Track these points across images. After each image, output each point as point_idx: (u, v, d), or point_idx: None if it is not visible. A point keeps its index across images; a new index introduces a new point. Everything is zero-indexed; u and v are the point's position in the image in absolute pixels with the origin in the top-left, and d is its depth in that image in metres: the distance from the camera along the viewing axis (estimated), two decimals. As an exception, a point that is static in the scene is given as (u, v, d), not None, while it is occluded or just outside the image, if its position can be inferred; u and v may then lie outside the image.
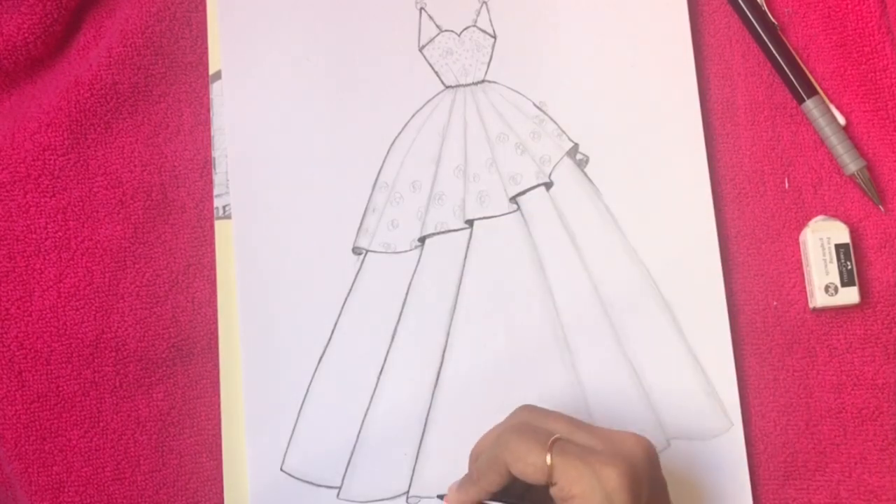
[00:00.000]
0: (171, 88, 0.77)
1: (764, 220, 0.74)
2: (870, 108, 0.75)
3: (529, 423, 0.61)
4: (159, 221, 0.75)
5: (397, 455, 0.72)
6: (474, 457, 0.64)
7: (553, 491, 0.58)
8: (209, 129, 0.76)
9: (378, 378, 0.72)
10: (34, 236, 0.75)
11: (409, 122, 0.75)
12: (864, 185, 0.73)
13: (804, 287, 0.73)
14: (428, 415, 0.72)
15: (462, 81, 0.76)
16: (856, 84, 0.75)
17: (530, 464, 0.58)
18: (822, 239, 0.72)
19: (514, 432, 0.60)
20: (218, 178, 0.75)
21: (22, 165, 0.75)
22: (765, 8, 0.76)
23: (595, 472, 0.57)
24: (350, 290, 0.73)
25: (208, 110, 0.76)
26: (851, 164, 0.73)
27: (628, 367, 0.72)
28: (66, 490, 0.73)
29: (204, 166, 0.76)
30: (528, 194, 0.74)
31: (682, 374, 0.71)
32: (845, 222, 0.72)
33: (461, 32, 0.76)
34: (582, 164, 0.74)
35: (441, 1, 0.76)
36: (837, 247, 0.72)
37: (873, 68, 0.75)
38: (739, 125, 0.76)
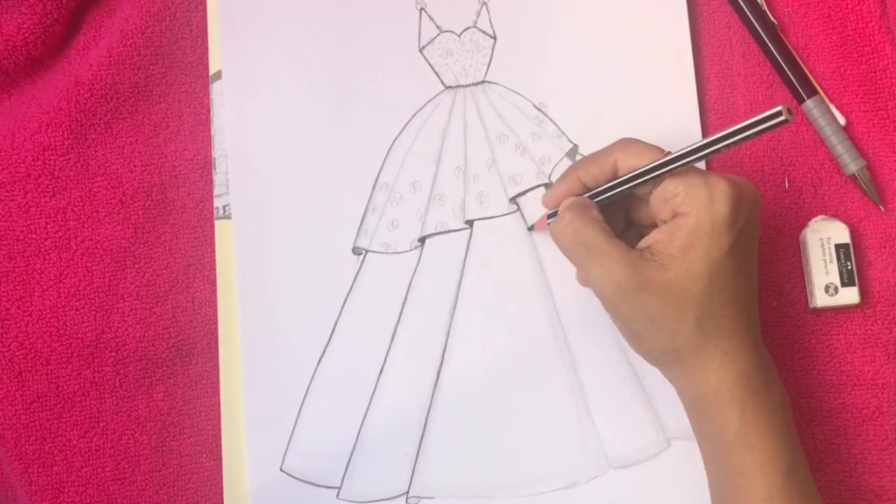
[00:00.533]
0: (171, 88, 0.77)
1: (764, 220, 0.74)
2: (870, 108, 0.75)
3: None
4: (159, 221, 0.75)
5: (397, 455, 0.72)
6: (573, 167, 0.67)
7: (654, 196, 0.62)
8: (209, 130, 0.76)
9: (378, 378, 0.72)
10: (34, 236, 0.75)
11: (409, 122, 0.75)
12: (864, 185, 0.73)
13: (804, 287, 0.73)
14: (428, 415, 0.72)
15: (462, 82, 0.76)
16: (856, 84, 0.75)
17: (645, 159, 0.62)
18: (822, 239, 0.72)
19: (630, 139, 0.64)
20: (218, 179, 0.75)
21: (22, 165, 0.75)
22: (765, 8, 0.76)
23: (703, 175, 0.60)
24: (350, 290, 0.73)
25: (208, 110, 0.76)
26: (851, 164, 0.73)
27: (628, 367, 0.72)
28: (66, 490, 0.73)
29: (204, 166, 0.76)
30: (528, 195, 0.74)
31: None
32: (845, 222, 0.72)
33: (461, 33, 0.76)
34: (582, 164, 0.75)
35: (441, 2, 0.77)
36: (837, 247, 0.72)
37: (873, 68, 0.75)
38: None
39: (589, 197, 0.66)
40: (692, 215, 0.59)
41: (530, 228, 0.73)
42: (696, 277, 0.59)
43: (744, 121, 0.58)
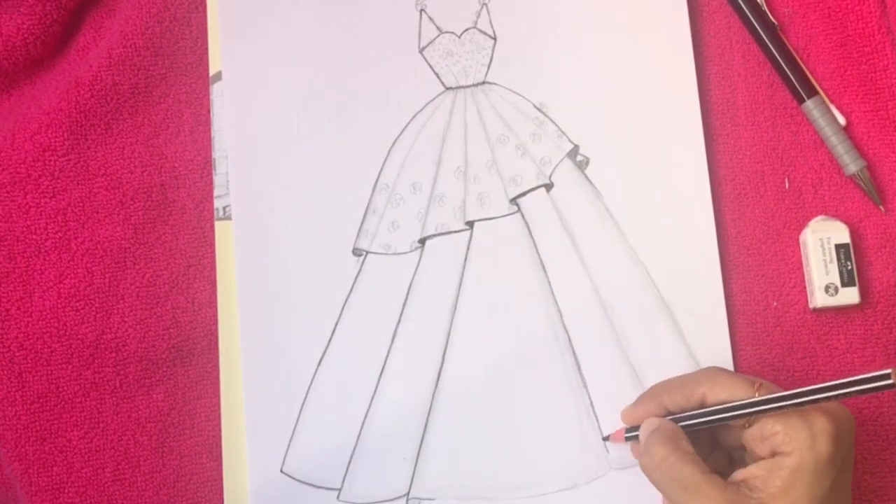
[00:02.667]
0: (171, 89, 0.77)
1: (764, 221, 0.74)
2: (870, 109, 0.75)
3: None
4: (159, 222, 0.75)
5: (397, 456, 0.72)
6: (656, 391, 0.66)
7: (749, 432, 0.60)
8: (209, 130, 0.76)
9: (378, 379, 0.72)
10: (34, 237, 0.75)
11: (409, 123, 0.75)
12: (864, 186, 0.73)
13: (804, 287, 0.73)
14: (428, 416, 0.72)
15: (462, 83, 0.76)
16: (856, 84, 0.75)
17: (735, 395, 0.61)
18: (822, 239, 0.72)
19: (716, 368, 0.63)
20: (218, 179, 0.75)
21: (22, 166, 0.75)
22: (765, 8, 0.76)
23: (803, 416, 0.58)
24: (350, 291, 0.73)
25: (208, 111, 0.76)
26: (852, 164, 0.73)
27: (629, 367, 0.72)
28: (66, 491, 0.73)
29: (204, 167, 0.76)
30: (528, 196, 0.74)
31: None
32: (845, 222, 0.72)
33: (461, 34, 0.76)
34: (582, 165, 0.74)
35: (441, 2, 0.76)
36: (837, 247, 0.72)
37: (873, 68, 0.75)
38: (739, 125, 0.76)
39: (675, 420, 0.64)
40: (794, 456, 0.58)
41: (605, 439, 0.72)
42: None
43: (850, 378, 0.56)
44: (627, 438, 0.69)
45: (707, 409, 0.63)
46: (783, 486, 0.58)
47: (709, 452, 0.67)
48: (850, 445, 0.60)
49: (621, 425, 0.70)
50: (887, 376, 0.54)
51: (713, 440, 0.67)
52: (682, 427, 0.64)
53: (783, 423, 0.59)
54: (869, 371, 0.69)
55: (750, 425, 0.61)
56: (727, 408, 0.61)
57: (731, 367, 0.72)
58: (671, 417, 0.65)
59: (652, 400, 0.66)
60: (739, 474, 0.60)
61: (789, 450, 0.58)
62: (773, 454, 0.59)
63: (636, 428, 0.67)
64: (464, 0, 0.77)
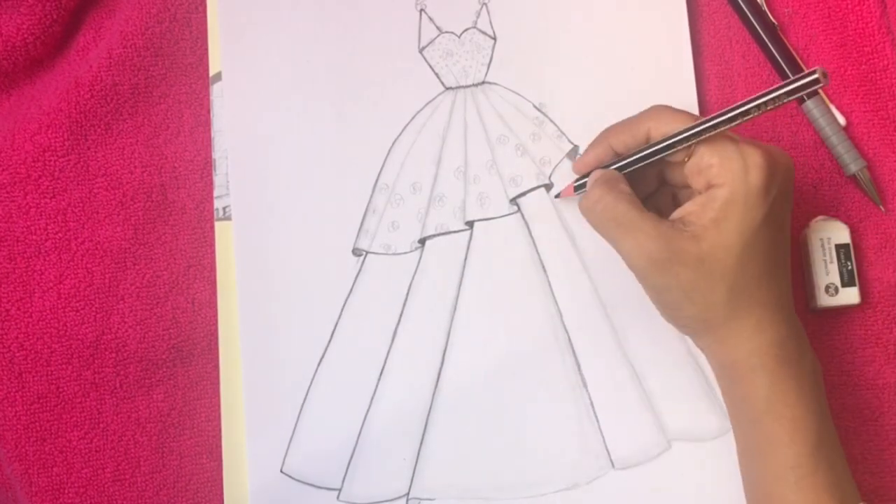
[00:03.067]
0: (171, 89, 0.77)
1: (764, 221, 0.74)
2: (870, 109, 0.75)
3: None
4: (159, 222, 0.75)
5: (397, 456, 0.72)
6: (604, 134, 0.67)
7: (688, 166, 0.62)
8: (209, 131, 0.76)
9: (378, 379, 0.72)
10: (34, 237, 0.75)
11: (409, 123, 0.75)
12: (864, 186, 0.73)
13: (804, 287, 0.73)
14: (428, 416, 0.72)
15: (462, 83, 0.76)
16: (856, 84, 0.75)
17: (678, 128, 0.62)
18: (822, 239, 0.72)
19: (661, 105, 0.64)
20: (218, 180, 0.75)
21: (22, 166, 0.75)
22: (765, 8, 0.76)
23: (737, 146, 0.60)
24: (350, 291, 0.73)
25: (208, 111, 0.76)
26: (852, 164, 0.73)
27: (629, 368, 0.72)
28: (66, 491, 0.73)
29: (204, 167, 0.76)
30: (528, 196, 0.74)
31: (682, 376, 0.71)
32: (846, 222, 0.72)
33: (461, 34, 0.76)
34: (582, 165, 0.74)
35: (441, 2, 0.76)
36: (838, 247, 0.72)
37: (873, 68, 0.75)
38: (740, 126, 0.75)
39: (620, 167, 0.66)
40: (726, 187, 0.59)
41: (557, 196, 0.73)
42: (728, 248, 0.59)
43: (777, 86, 0.58)
44: (576, 189, 0.69)
45: (647, 146, 0.64)
46: (715, 217, 0.59)
47: (656, 188, 0.68)
48: (784, 183, 0.61)
49: (621, 424, 0.70)
50: (814, 73, 0.56)
51: (660, 177, 0.68)
52: (626, 167, 0.65)
53: (718, 156, 0.60)
54: (869, 370, 0.69)
55: (690, 157, 0.62)
56: (665, 144, 0.63)
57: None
58: (619, 164, 0.66)
59: (600, 144, 0.67)
60: (677, 212, 0.62)
61: (722, 181, 0.60)
62: (709, 187, 0.61)
63: (586, 179, 0.68)
64: (463, 0, 0.77)
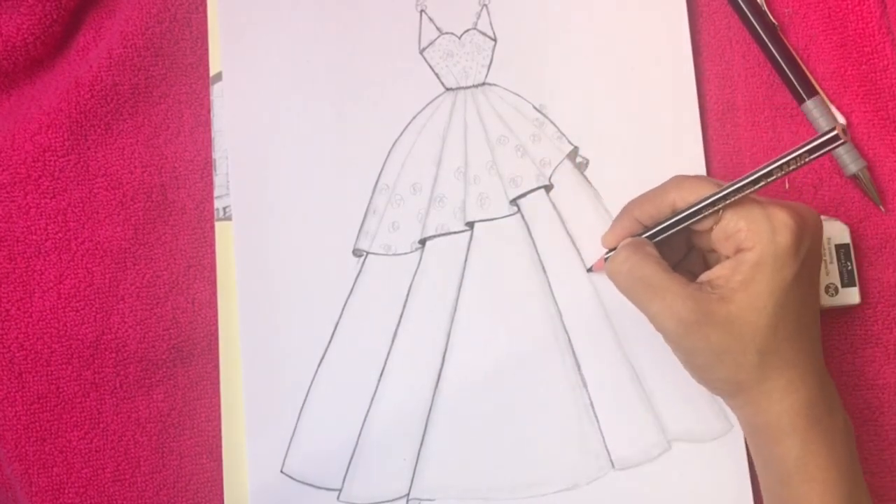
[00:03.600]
0: (171, 89, 0.77)
1: (764, 221, 0.74)
2: (870, 109, 0.75)
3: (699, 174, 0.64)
4: (159, 222, 0.75)
5: (398, 457, 0.72)
6: (629, 207, 0.67)
7: (716, 232, 0.62)
8: (209, 131, 0.76)
9: (378, 380, 0.72)
10: (34, 237, 0.75)
11: (409, 124, 0.75)
12: (864, 186, 0.73)
13: (804, 288, 0.73)
14: (429, 417, 0.72)
15: (462, 84, 0.76)
16: (856, 84, 0.75)
17: (702, 192, 0.61)
18: (822, 239, 0.72)
19: (683, 175, 0.64)
20: (218, 180, 0.75)
21: (22, 166, 0.75)
22: (765, 8, 0.76)
23: (764, 208, 0.60)
24: (350, 292, 0.73)
25: (208, 111, 0.76)
26: (852, 164, 0.73)
27: (629, 368, 0.72)
28: (66, 491, 0.73)
29: (204, 167, 0.76)
30: (528, 197, 0.74)
31: (682, 376, 0.71)
32: (846, 223, 0.72)
33: (462, 35, 0.76)
34: (582, 166, 0.74)
35: (441, 3, 0.76)
36: (838, 247, 0.72)
37: (873, 69, 0.75)
38: (739, 126, 0.76)
39: (648, 237, 0.65)
40: (755, 250, 0.59)
41: (589, 270, 0.73)
42: (759, 310, 0.58)
43: (798, 146, 0.58)
44: (608, 257, 0.69)
45: (673, 215, 0.63)
46: (744, 279, 0.59)
47: (685, 253, 0.68)
48: (814, 240, 0.61)
49: (621, 424, 0.70)
50: (834, 134, 0.57)
51: (689, 242, 0.68)
52: (654, 237, 0.65)
53: (746, 220, 0.60)
54: (869, 370, 0.69)
55: (717, 223, 0.61)
56: (691, 212, 0.62)
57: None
58: (646, 235, 0.65)
59: (625, 217, 0.66)
60: (705, 275, 0.62)
61: (751, 244, 0.59)
62: (737, 251, 0.60)
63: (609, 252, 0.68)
64: (464, 1, 0.77)
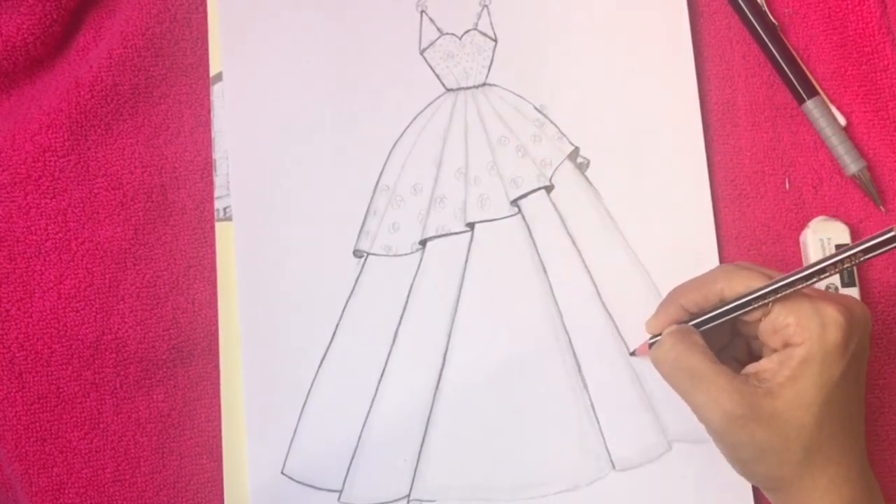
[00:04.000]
0: (171, 90, 0.77)
1: (764, 221, 0.74)
2: (870, 109, 0.75)
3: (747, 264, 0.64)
4: (160, 223, 0.75)
5: (398, 458, 0.72)
6: (674, 294, 0.66)
7: (763, 325, 0.61)
8: (209, 131, 0.76)
9: (379, 381, 0.72)
10: (34, 237, 0.75)
11: (410, 125, 0.75)
12: (864, 186, 0.73)
13: (804, 288, 0.74)
14: (429, 418, 0.72)
15: (463, 84, 0.76)
16: (856, 84, 0.75)
17: (751, 284, 0.61)
18: (822, 240, 0.72)
19: (733, 265, 0.63)
20: (218, 180, 0.75)
21: (22, 167, 0.75)
22: (765, 8, 0.76)
23: (814, 304, 0.59)
24: (351, 292, 0.73)
25: (209, 112, 0.76)
26: (852, 164, 0.73)
27: (630, 369, 0.72)
28: (66, 491, 0.73)
29: (204, 168, 0.76)
30: (529, 197, 0.74)
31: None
32: (846, 223, 0.73)
33: (462, 35, 0.76)
34: (583, 167, 0.74)
35: (442, 4, 0.76)
36: (838, 247, 0.72)
37: (874, 69, 0.75)
38: (740, 126, 0.76)
39: (694, 325, 0.65)
40: (804, 346, 0.58)
41: (632, 354, 0.72)
42: (805, 406, 0.58)
43: (853, 245, 0.58)
44: (651, 347, 0.68)
45: (722, 305, 0.63)
46: (791, 375, 0.58)
47: (728, 341, 0.68)
48: (863, 337, 0.60)
49: (622, 425, 0.70)
50: (889, 231, 0.56)
51: (734, 331, 0.67)
52: (700, 325, 0.64)
53: (795, 315, 0.59)
54: (869, 371, 0.69)
55: (766, 316, 0.61)
56: (740, 304, 0.62)
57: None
58: (692, 323, 0.65)
59: (671, 304, 0.66)
60: (751, 367, 0.61)
61: (800, 340, 0.59)
62: (785, 346, 0.60)
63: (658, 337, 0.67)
64: (464, 2, 0.76)
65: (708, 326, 0.64)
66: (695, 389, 0.60)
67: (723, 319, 0.63)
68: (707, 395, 0.59)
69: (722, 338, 0.67)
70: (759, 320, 0.62)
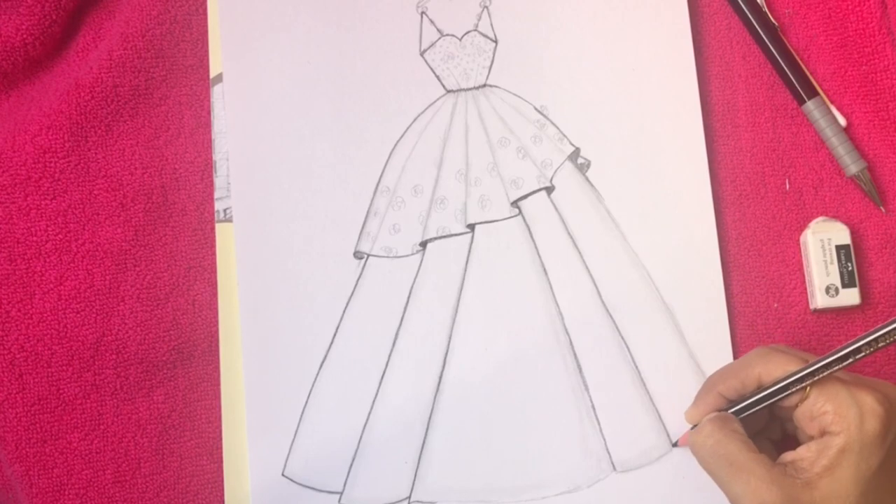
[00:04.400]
0: (171, 91, 0.77)
1: (764, 222, 0.74)
2: (870, 109, 0.75)
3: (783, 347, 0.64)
4: (160, 224, 0.75)
5: (399, 460, 0.72)
6: (712, 381, 0.66)
7: (800, 411, 0.61)
8: (210, 132, 0.76)
9: (380, 382, 0.72)
10: (35, 239, 0.75)
11: (410, 126, 0.75)
12: (864, 187, 0.73)
13: (805, 289, 0.74)
14: (430, 419, 0.72)
15: (463, 86, 0.76)
16: (856, 85, 0.75)
17: (788, 367, 0.61)
18: (822, 240, 0.72)
19: (768, 348, 0.63)
20: (219, 182, 0.75)
21: (23, 168, 0.75)
22: (765, 9, 0.76)
23: (851, 392, 0.59)
24: (352, 294, 0.73)
25: (209, 113, 0.76)
26: (852, 165, 0.73)
27: (630, 369, 0.72)
28: (66, 493, 0.73)
29: (205, 169, 0.76)
30: (529, 198, 0.74)
31: (683, 378, 0.72)
32: (846, 223, 0.72)
33: (462, 37, 0.76)
34: (583, 168, 0.74)
35: (442, 5, 0.76)
36: (838, 248, 0.72)
37: (874, 69, 0.75)
38: (740, 126, 0.76)
39: (734, 412, 0.65)
40: (841, 435, 0.58)
41: (674, 444, 0.71)
42: (843, 497, 0.58)
43: (891, 320, 0.58)
44: (690, 433, 0.68)
45: (759, 391, 0.63)
46: (829, 465, 0.58)
47: (765, 424, 0.68)
48: None
49: (623, 426, 0.70)
50: None
51: (771, 414, 0.67)
52: (739, 413, 0.64)
53: (833, 403, 0.59)
54: (869, 371, 0.69)
55: (803, 402, 0.61)
56: (778, 388, 0.62)
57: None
58: (731, 410, 0.65)
59: (710, 393, 0.66)
60: (788, 455, 0.61)
61: (838, 429, 0.58)
62: (823, 434, 0.60)
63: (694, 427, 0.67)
64: (465, 3, 0.77)
65: (746, 414, 0.64)
66: (733, 479, 0.60)
67: (761, 406, 0.63)
68: (746, 485, 0.59)
69: (759, 422, 0.67)
70: (797, 406, 0.62)
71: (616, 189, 0.74)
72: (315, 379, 0.72)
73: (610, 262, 0.73)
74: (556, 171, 0.75)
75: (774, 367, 0.62)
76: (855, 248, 0.72)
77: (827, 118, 0.74)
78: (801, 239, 0.74)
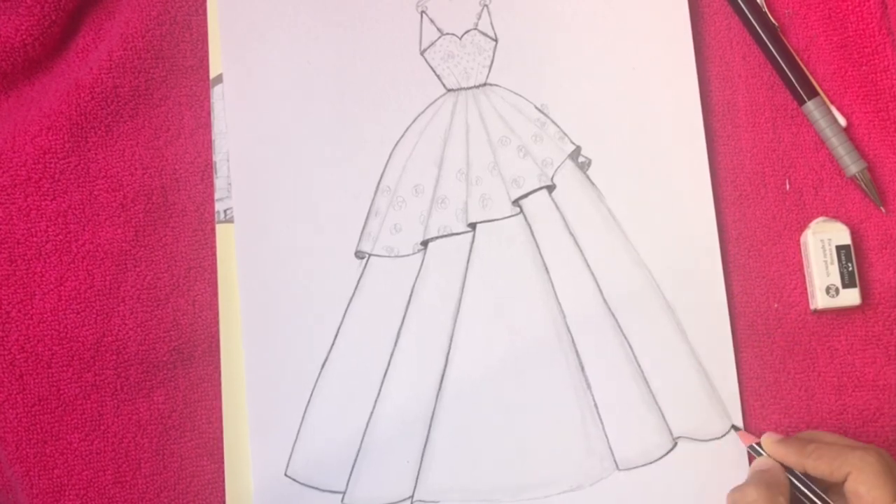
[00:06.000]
0: (171, 92, 0.77)
1: (765, 222, 0.74)
2: (870, 110, 0.75)
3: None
4: (160, 225, 0.75)
5: (401, 459, 0.72)
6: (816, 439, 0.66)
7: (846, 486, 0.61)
8: (210, 133, 0.76)
9: (381, 382, 0.72)
10: (35, 239, 0.75)
11: (410, 125, 0.75)
12: (865, 187, 0.73)
13: (805, 289, 0.74)
14: (432, 418, 0.72)
15: (464, 85, 0.76)
16: (856, 85, 0.75)
17: (872, 496, 0.60)
18: (822, 240, 0.72)
19: (878, 456, 0.62)
20: (219, 182, 0.75)
21: (23, 169, 0.75)
22: (765, 9, 0.76)
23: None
24: (353, 294, 0.73)
25: (209, 114, 0.76)
26: (852, 165, 0.73)
27: (632, 368, 0.72)
28: (66, 493, 0.73)
29: (205, 170, 0.76)
30: (530, 197, 0.74)
31: (684, 376, 0.72)
32: (846, 223, 0.73)
33: (462, 36, 0.76)
34: (584, 166, 0.74)
35: (442, 4, 0.76)
36: (838, 248, 0.72)
37: (874, 69, 0.75)
38: (740, 127, 0.76)
39: (796, 479, 0.65)
40: None
41: (737, 429, 0.71)
42: None
43: None
44: (751, 449, 0.69)
45: (818, 493, 0.64)
46: None
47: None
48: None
49: (626, 425, 0.70)
50: None
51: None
52: (794, 483, 0.65)
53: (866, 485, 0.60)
54: (869, 371, 0.69)
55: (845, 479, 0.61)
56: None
57: (732, 368, 0.72)
58: (792, 477, 0.65)
59: (797, 453, 0.65)
60: None
61: None
62: None
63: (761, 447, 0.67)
64: (465, 2, 0.77)
65: (800, 490, 0.65)
66: None
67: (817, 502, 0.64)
68: None
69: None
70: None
71: (617, 188, 0.74)
72: (317, 378, 0.72)
73: (611, 261, 0.73)
74: (556, 170, 0.75)
75: (862, 481, 0.61)
76: (855, 248, 0.73)
77: (827, 118, 0.74)
78: (802, 239, 0.74)
